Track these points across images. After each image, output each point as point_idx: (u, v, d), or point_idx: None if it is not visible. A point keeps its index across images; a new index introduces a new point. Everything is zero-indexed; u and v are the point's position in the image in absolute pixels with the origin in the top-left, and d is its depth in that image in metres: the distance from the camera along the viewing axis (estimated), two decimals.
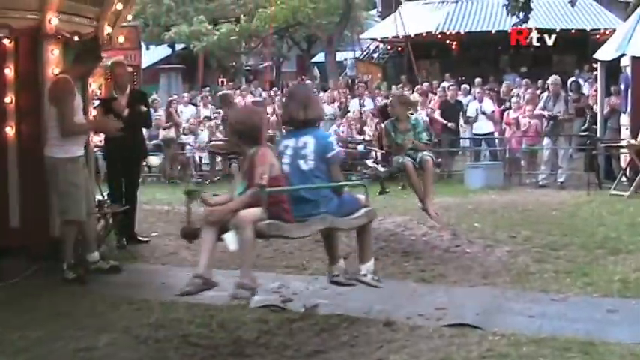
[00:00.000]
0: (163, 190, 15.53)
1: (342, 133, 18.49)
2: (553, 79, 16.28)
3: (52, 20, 8.29)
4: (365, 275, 6.29)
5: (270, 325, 6.13)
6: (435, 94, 20.59)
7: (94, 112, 9.38)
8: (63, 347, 5.65)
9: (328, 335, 5.82)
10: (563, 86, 19.29)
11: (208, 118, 20.04)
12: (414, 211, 10.86)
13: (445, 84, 22.67)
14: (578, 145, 16.98)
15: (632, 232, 9.40)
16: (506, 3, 19.08)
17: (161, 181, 17.84)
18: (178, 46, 35.65)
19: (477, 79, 22.14)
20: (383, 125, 10.03)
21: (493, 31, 29.09)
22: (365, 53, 34.02)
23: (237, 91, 26.75)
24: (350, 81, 27.95)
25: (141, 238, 9.81)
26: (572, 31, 28.45)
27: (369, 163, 14.66)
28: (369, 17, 37.95)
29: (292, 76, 37.04)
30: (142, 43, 20.35)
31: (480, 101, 17.96)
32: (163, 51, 36.31)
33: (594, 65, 18.26)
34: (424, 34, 28.70)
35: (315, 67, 36.52)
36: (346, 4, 31.69)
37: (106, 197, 9.48)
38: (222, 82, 34.73)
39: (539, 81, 20.85)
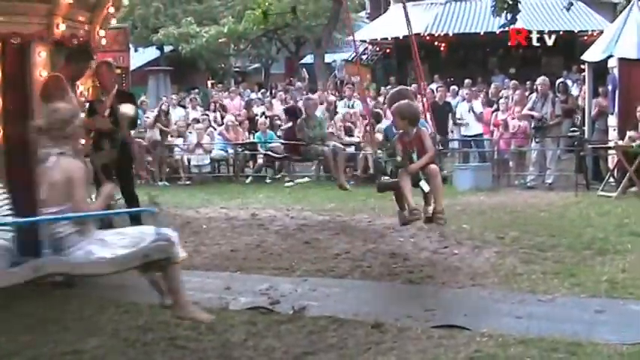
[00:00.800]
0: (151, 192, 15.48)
1: (331, 134, 18.47)
2: (541, 80, 16.31)
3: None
4: None
5: (259, 327, 6.12)
6: (424, 95, 20.57)
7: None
8: (51, 351, 5.63)
9: (316, 337, 5.82)
10: (552, 87, 19.37)
11: (197, 120, 20.00)
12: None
13: (434, 85, 22.69)
14: (566, 146, 17.03)
15: (619, 232, 9.44)
16: (493, 4, 19.14)
17: (149, 183, 17.77)
18: (167, 48, 35.58)
19: (466, 81, 22.19)
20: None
21: (482, 33, 29.13)
22: (354, 55, 34.01)
23: (226, 93, 26.74)
24: (338, 83, 27.96)
25: None
26: (561, 32, 28.52)
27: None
28: (358, 19, 37.97)
29: (281, 78, 37.05)
30: (131, 45, 20.35)
31: (469, 102, 18.01)
32: (152, 53, 36.23)
33: (582, 67, 18.31)
34: (422, 34, 28.72)
35: (304, 69, 36.51)
36: (334, 6, 31.67)
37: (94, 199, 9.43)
38: (212, 84, 34.72)
39: (528, 82, 20.90)
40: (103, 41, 9.56)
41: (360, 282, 7.59)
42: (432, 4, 31.75)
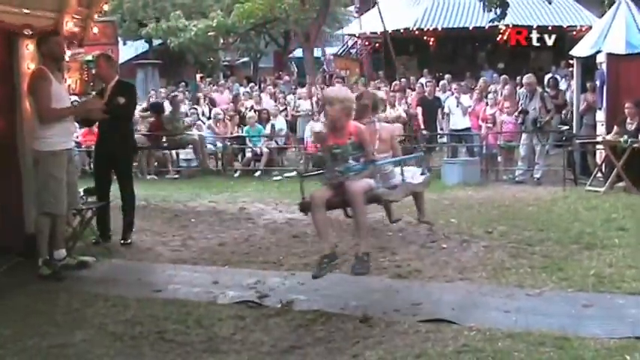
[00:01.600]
0: (139, 187, 15.42)
1: (320, 129, 18.44)
2: (527, 77, 16.33)
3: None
4: None
5: (247, 321, 6.13)
6: (413, 90, 20.63)
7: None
8: (37, 344, 5.62)
9: (304, 331, 5.83)
10: (540, 83, 19.42)
11: (185, 114, 19.96)
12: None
13: (423, 80, 22.71)
14: (554, 141, 17.05)
15: (607, 227, 9.47)
16: None
17: (138, 176, 17.72)
18: (155, 42, 35.47)
19: (447, 75, 22.25)
20: None
21: (470, 27, 29.19)
22: (343, 49, 34.03)
23: (215, 87, 26.69)
24: (327, 77, 27.94)
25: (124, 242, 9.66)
26: (549, 27, 28.59)
27: None
28: (347, 13, 37.94)
29: (270, 72, 37.01)
30: (119, 39, 20.26)
31: (458, 97, 18.04)
32: (140, 46, 36.12)
33: (571, 62, 18.34)
34: (402, 30, 28.72)
35: (293, 63, 36.46)
36: (323, 0, 31.64)
37: (82, 193, 9.39)
38: (200, 77, 34.66)
39: (518, 78, 20.93)
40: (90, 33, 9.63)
41: (348, 276, 7.55)
42: None
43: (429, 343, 5.36)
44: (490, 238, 9.08)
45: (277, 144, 18.84)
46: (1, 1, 7.96)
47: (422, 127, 17.71)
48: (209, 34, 32.42)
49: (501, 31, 28.47)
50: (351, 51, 34.89)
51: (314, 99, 20.12)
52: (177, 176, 17.95)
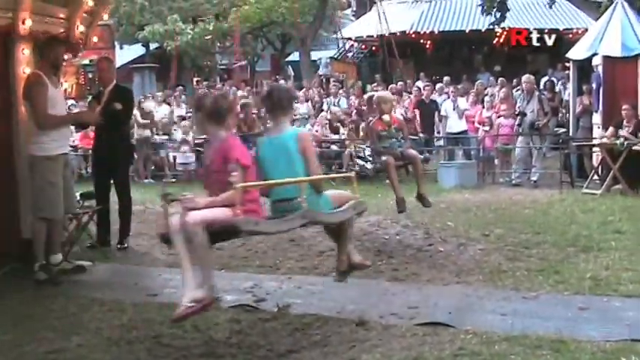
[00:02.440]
0: (136, 190, 15.42)
1: (317, 132, 18.48)
2: (526, 77, 16.37)
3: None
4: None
5: (243, 325, 6.12)
6: (410, 93, 20.65)
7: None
8: (34, 350, 5.61)
9: (301, 335, 5.82)
10: (537, 85, 19.43)
11: (182, 118, 19.97)
12: (387, 210, 10.90)
13: (420, 83, 22.72)
14: (551, 144, 17.07)
15: (603, 230, 9.47)
16: (481, 3, 19.16)
17: (134, 180, 17.71)
18: (152, 46, 35.47)
19: (446, 78, 22.26)
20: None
21: (467, 31, 29.18)
22: (340, 52, 34.02)
23: (212, 90, 26.67)
24: (324, 80, 27.94)
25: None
26: (546, 30, 28.60)
27: (359, 161, 14.84)
28: (344, 17, 37.98)
29: (266, 75, 36.99)
30: (116, 43, 20.29)
31: (454, 100, 18.07)
32: (137, 50, 36.12)
33: (567, 64, 18.36)
34: (398, 34, 28.72)
35: (290, 67, 36.47)
36: (320, 4, 31.67)
37: (77, 197, 9.39)
38: (197, 81, 34.64)
39: (515, 80, 20.93)
40: (89, 38, 9.62)
41: None
42: (417, 1, 31.77)
43: (425, 346, 5.35)
44: (487, 241, 9.08)
45: None
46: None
47: (419, 130, 17.74)
48: (206, 37, 32.44)
49: (498, 34, 28.50)
50: (348, 54, 34.88)
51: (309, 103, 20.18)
52: (174, 180, 17.93)
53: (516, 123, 15.84)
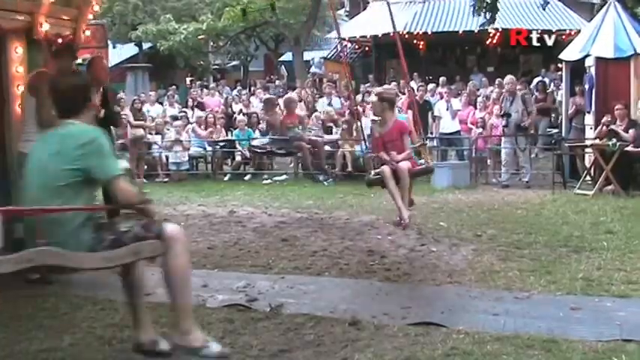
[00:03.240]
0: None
1: (309, 132, 18.49)
2: (508, 79, 16.45)
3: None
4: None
5: (236, 324, 6.10)
6: (404, 93, 20.65)
7: None
8: (25, 349, 5.58)
9: (293, 334, 5.81)
10: (528, 86, 19.50)
11: (175, 118, 19.96)
12: (380, 211, 10.92)
13: (413, 84, 22.73)
14: (543, 145, 17.12)
15: (595, 230, 9.51)
16: (473, 3, 19.18)
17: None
18: (145, 45, 35.44)
19: (442, 78, 22.26)
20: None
21: (460, 31, 29.19)
22: (333, 52, 34.03)
23: (206, 90, 26.67)
24: (317, 80, 27.95)
25: None
26: (539, 31, 28.63)
27: None
28: (337, 17, 37.98)
29: (260, 76, 37.03)
30: (109, 42, 20.22)
31: (448, 100, 18.10)
32: (130, 50, 36.09)
33: (560, 65, 18.41)
34: (391, 34, 28.71)
35: (283, 67, 36.50)
36: (313, 4, 31.67)
37: None
38: (191, 81, 34.62)
39: (498, 80, 20.93)
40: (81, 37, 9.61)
41: (338, 279, 7.59)
42: (411, 2, 31.77)
43: (417, 346, 5.36)
44: (479, 241, 9.10)
45: None
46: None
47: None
48: (199, 37, 32.42)
49: (491, 35, 28.52)
50: (341, 55, 34.89)
51: (302, 103, 20.16)
52: (166, 180, 17.92)
53: (502, 124, 15.86)
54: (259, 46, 39.18)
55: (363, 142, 10.35)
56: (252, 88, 28.22)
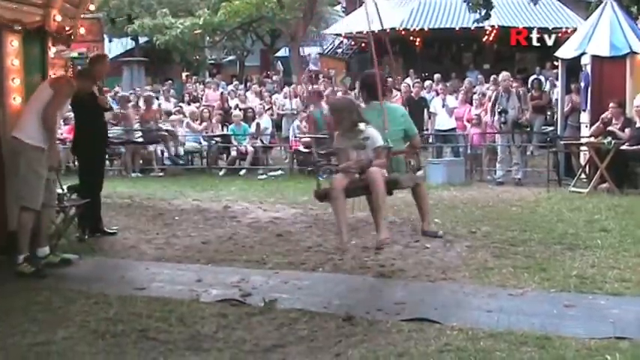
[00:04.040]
0: (123, 184, 15.43)
1: (305, 127, 18.49)
2: (502, 75, 16.46)
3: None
4: None
5: (229, 319, 6.11)
6: (399, 90, 20.66)
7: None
8: (18, 342, 5.58)
9: (287, 330, 5.81)
10: (525, 84, 19.51)
11: (170, 112, 19.95)
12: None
13: (409, 80, 22.74)
14: (539, 142, 17.14)
15: (590, 228, 9.51)
16: (468, 0, 19.19)
17: (122, 174, 17.72)
18: (141, 39, 35.37)
19: (437, 75, 22.27)
20: None
21: (456, 28, 29.21)
22: (329, 48, 34.04)
23: (202, 85, 26.65)
24: (313, 76, 27.94)
25: (107, 230, 9.76)
26: (535, 29, 28.66)
27: None
28: (334, 13, 37.98)
29: (256, 71, 37.00)
30: (105, 36, 20.22)
31: (443, 97, 18.12)
32: (126, 44, 36.02)
33: (555, 63, 18.43)
34: (387, 30, 28.68)
35: (279, 62, 36.47)
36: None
37: (65, 190, 9.36)
38: (187, 76, 34.60)
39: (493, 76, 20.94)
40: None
41: (332, 275, 7.59)
42: None
43: (411, 342, 5.36)
44: (474, 238, 9.10)
45: (262, 143, 18.85)
46: None
47: None
48: (195, 32, 32.37)
49: (487, 32, 28.54)
50: (338, 50, 34.91)
51: (297, 99, 20.17)
52: (161, 174, 17.90)
53: (501, 121, 15.85)
54: (255, 41, 39.14)
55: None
56: (249, 84, 28.21)
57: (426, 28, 30.05)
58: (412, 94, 19.01)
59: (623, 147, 13.08)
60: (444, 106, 17.99)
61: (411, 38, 30.91)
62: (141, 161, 18.47)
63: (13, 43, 8.31)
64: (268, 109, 21.46)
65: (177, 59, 36.08)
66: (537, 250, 8.32)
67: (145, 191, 14.11)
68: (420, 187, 8.69)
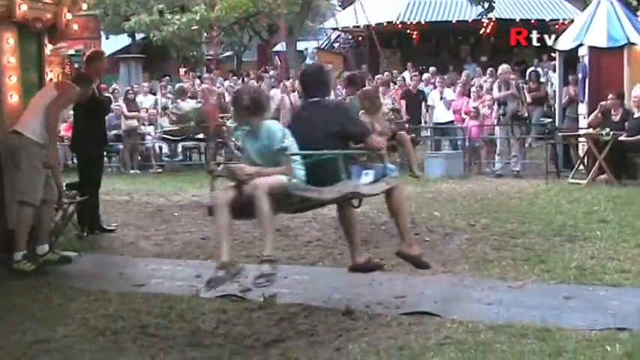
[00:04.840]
0: (122, 181, 15.43)
1: None
2: (502, 67, 16.47)
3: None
4: None
5: (229, 314, 6.12)
6: (396, 83, 20.64)
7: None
8: (19, 340, 5.58)
9: (287, 324, 5.82)
10: (523, 76, 19.50)
11: (166, 108, 19.94)
12: (373, 200, 10.88)
13: (406, 74, 22.70)
14: (537, 134, 17.14)
15: (588, 219, 9.52)
16: None
17: (121, 171, 17.71)
18: (138, 36, 35.29)
19: (432, 68, 22.26)
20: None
21: (454, 21, 29.18)
22: (326, 43, 33.97)
23: (198, 80, 26.58)
24: None
25: (106, 227, 9.76)
26: (532, 21, 28.63)
27: None
28: (330, 7, 37.89)
29: (253, 66, 36.92)
30: (102, 33, 20.18)
31: (441, 90, 18.11)
32: (123, 40, 35.93)
33: (553, 55, 18.41)
34: (385, 24, 28.68)
35: (277, 57, 36.39)
36: None
37: (64, 188, 9.34)
38: (185, 71, 34.51)
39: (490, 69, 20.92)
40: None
41: (331, 269, 7.60)
42: None
43: (411, 335, 5.37)
44: (473, 230, 9.11)
45: None
46: None
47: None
48: (192, 28, 32.29)
49: (484, 24, 28.51)
50: (334, 45, 34.85)
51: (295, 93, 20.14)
52: (160, 170, 17.90)
53: (500, 113, 15.85)
54: (253, 37, 39.06)
55: None
56: (246, 79, 28.14)
57: (423, 22, 29.99)
58: (410, 88, 18.97)
59: (621, 138, 13.08)
60: (441, 99, 17.96)
61: (409, 31, 30.87)
62: (139, 157, 18.46)
63: (9, 40, 8.28)
64: None
65: (174, 55, 35.98)
66: (536, 242, 8.33)
67: (143, 188, 14.10)
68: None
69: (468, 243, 8.43)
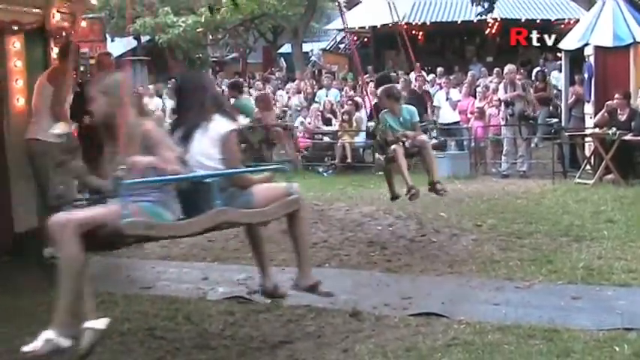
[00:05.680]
0: None
1: (309, 123, 18.48)
2: (508, 68, 16.45)
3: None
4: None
5: (236, 316, 6.12)
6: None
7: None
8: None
9: (294, 326, 5.82)
10: (529, 76, 19.46)
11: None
12: (380, 201, 10.90)
13: (412, 75, 22.68)
14: (543, 134, 17.11)
15: (596, 219, 9.49)
16: None
17: None
18: (144, 38, 35.32)
19: (439, 69, 22.22)
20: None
21: (459, 22, 29.13)
22: (332, 44, 33.96)
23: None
24: (316, 72, 27.90)
25: None
26: (537, 21, 28.58)
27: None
28: (335, 8, 37.88)
29: (259, 68, 36.94)
30: (107, 35, 20.16)
31: (447, 91, 18.09)
32: (128, 43, 35.97)
33: (558, 55, 18.38)
34: (390, 25, 28.63)
35: (282, 58, 36.42)
36: None
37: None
38: None
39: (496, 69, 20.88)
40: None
41: (338, 270, 7.59)
42: None
43: (419, 336, 5.36)
44: (479, 231, 9.09)
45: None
46: None
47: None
48: (197, 30, 32.32)
49: (490, 25, 28.47)
50: (340, 46, 34.84)
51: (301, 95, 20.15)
52: None
53: (508, 113, 15.83)
54: (258, 38, 39.09)
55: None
56: (251, 81, 28.17)
57: (428, 22, 29.96)
58: (415, 88, 18.94)
59: (628, 137, 13.04)
60: (447, 99, 17.94)
61: (414, 32, 30.82)
62: None
63: (15, 44, 8.30)
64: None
65: (180, 57, 36.01)
66: (543, 242, 8.31)
67: None
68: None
69: (475, 243, 8.42)
